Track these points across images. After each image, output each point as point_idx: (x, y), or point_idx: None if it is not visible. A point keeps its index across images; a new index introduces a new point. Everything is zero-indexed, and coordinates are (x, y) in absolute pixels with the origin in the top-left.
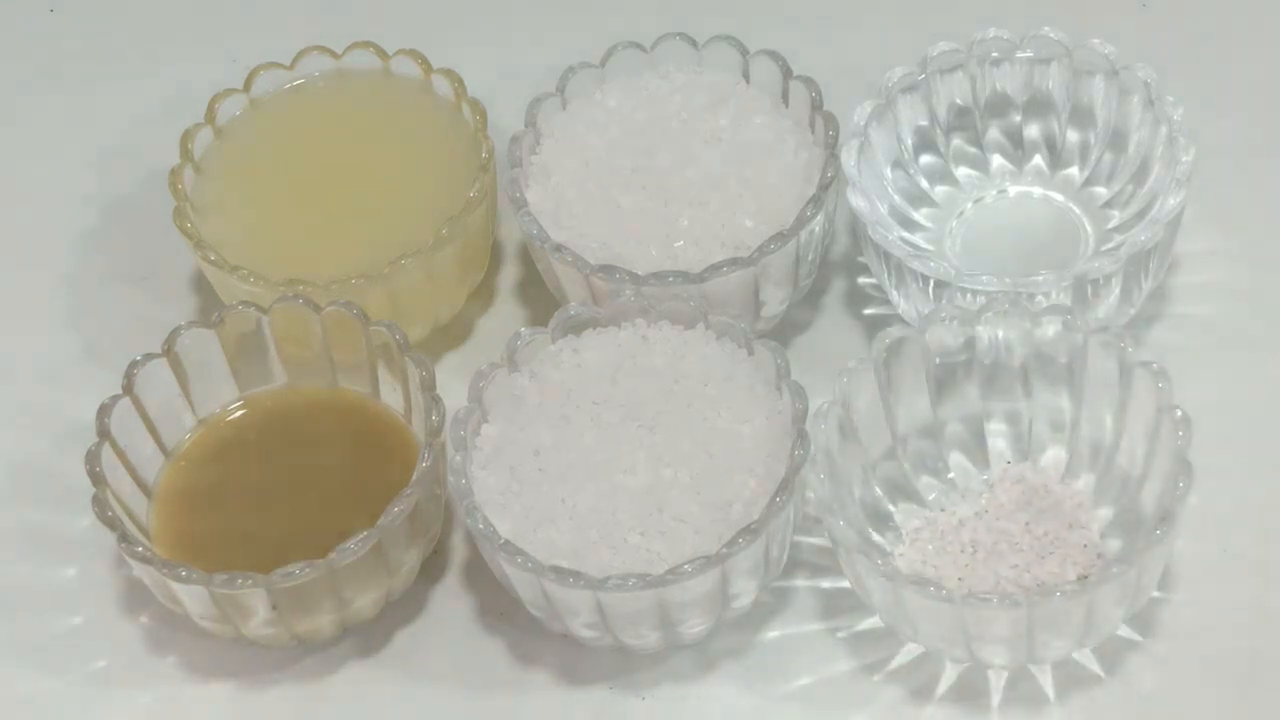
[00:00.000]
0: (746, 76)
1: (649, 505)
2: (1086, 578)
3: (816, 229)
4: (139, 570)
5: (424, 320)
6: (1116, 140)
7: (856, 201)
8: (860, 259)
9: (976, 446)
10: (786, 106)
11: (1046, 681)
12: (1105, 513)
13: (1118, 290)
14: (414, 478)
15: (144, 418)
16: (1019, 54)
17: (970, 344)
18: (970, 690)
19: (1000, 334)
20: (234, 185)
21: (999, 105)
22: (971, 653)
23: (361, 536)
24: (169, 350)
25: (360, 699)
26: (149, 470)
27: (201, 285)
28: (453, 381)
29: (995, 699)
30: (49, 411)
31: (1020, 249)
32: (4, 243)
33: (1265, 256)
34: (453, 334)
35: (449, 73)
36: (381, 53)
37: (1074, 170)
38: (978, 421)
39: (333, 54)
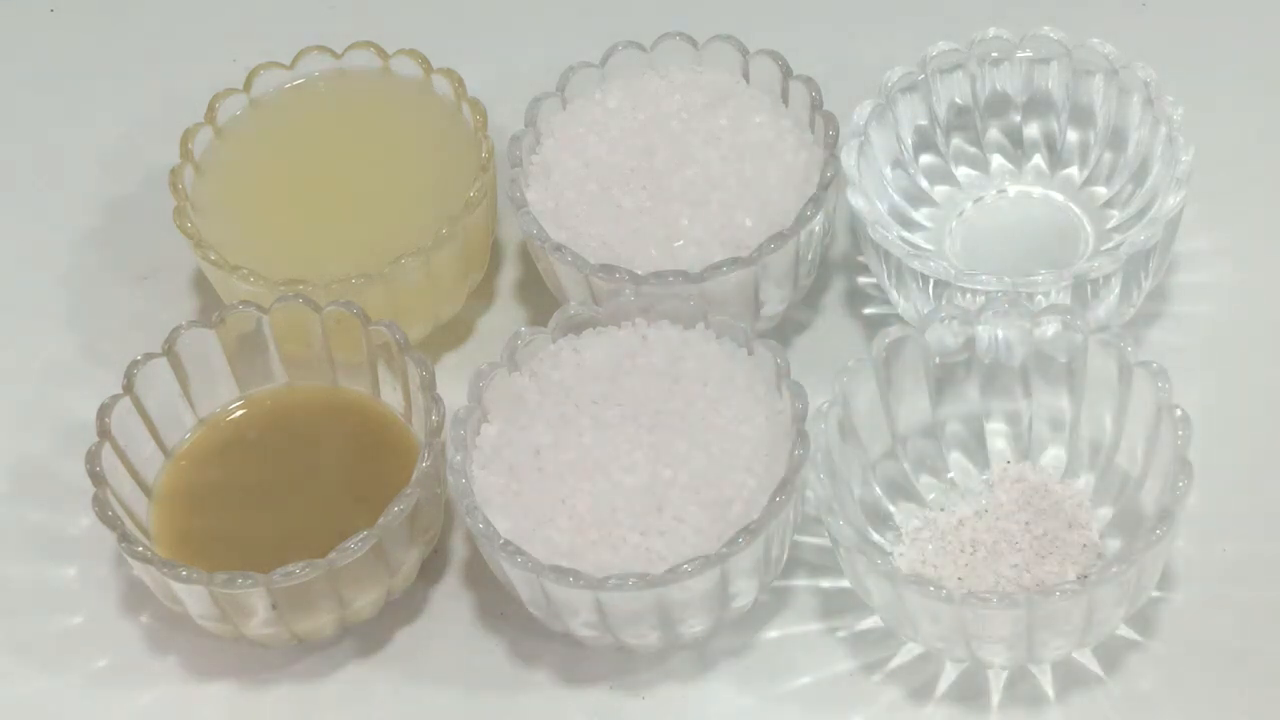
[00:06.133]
0: (746, 76)
1: (649, 505)
2: (1086, 577)
3: (816, 229)
4: (139, 570)
5: (424, 320)
6: (1116, 140)
7: (856, 201)
8: (860, 259)
9: (976, 446)
10: (786, 106)
11: (1046, 681)
12: (1105, 513)
13: (1117, 290)
14: (414, 478)
15: (144, 418)
16: (1019, 54)
17: (970, 344)
18: (970, 690)
19: (1000, 334)
20: (234, 185)
21: (999, 105)
22: (971, 652)
23: (361, 536)
24: (169, 350)
25: (360, 699)
26: (149, 470)
27: (201, 285)
28: (453, 381)
29: (995, 699)
30: (49, 411)
31: (1020, 249)
32: (4, 243)
33: (1265, 256)
34: (453, 334)
35: (449, 73)
36: (381, 53)
37: (1074, 170)
38: (978, 421)
39: (333, 54)
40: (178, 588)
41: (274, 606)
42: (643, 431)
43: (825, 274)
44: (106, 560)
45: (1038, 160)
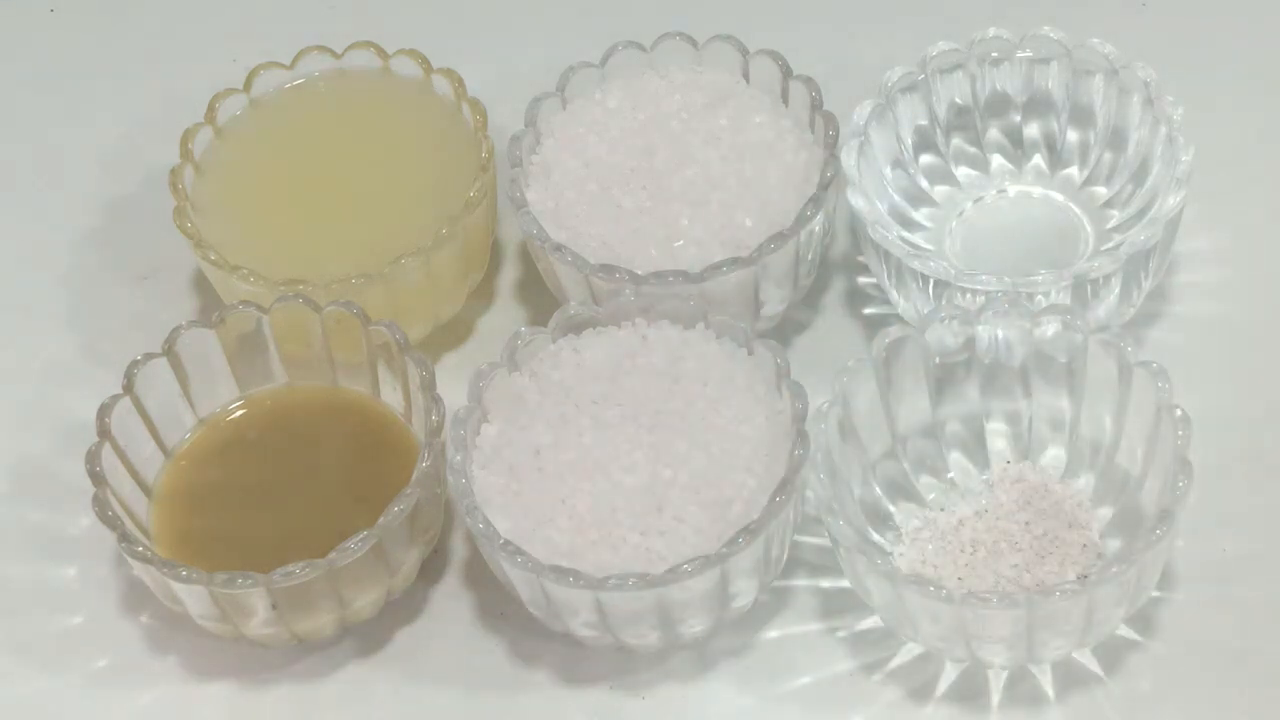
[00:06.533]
0: (746, 76)
1: (649, 505)
2: (1086, 577)
3: (816, 229)
4: (139, 570)
5: (424, 320)
6: (1116, 140)
7: (856, 201)
8: (860, 259)
9: (976, 446)
10: (786, 106)
11: (1046, 681)
12: (1105, 512)
13: (1117, 290)
14: (414, 478)
15: (144, 418)
16: (1019, 54)
17: (970, 344)
18: (970, 690)
19: (1000, 334)
20: (234, 185)
21: (999, 105)
22: (971, 652)
23: (361, 536)
24: (169, 350)
25: (360, 699)
26: (149, 470)
27: (201, 285)
28: (453, 381)
29: (995, 699)
30: (49, 411)
31: (1020, 249)
32: (4, 243)
33: (1265, 256)
34: (453, 334)
35: (449, 73)
36: (381, 53)
37: (1074, 170)
38: (978, 421)
39: (333, 54)
40: (178, 588)
41: (274, 606)
42: (643, 431)
43: (825, 274)
44: (106, 560)
45: (1038, 160)
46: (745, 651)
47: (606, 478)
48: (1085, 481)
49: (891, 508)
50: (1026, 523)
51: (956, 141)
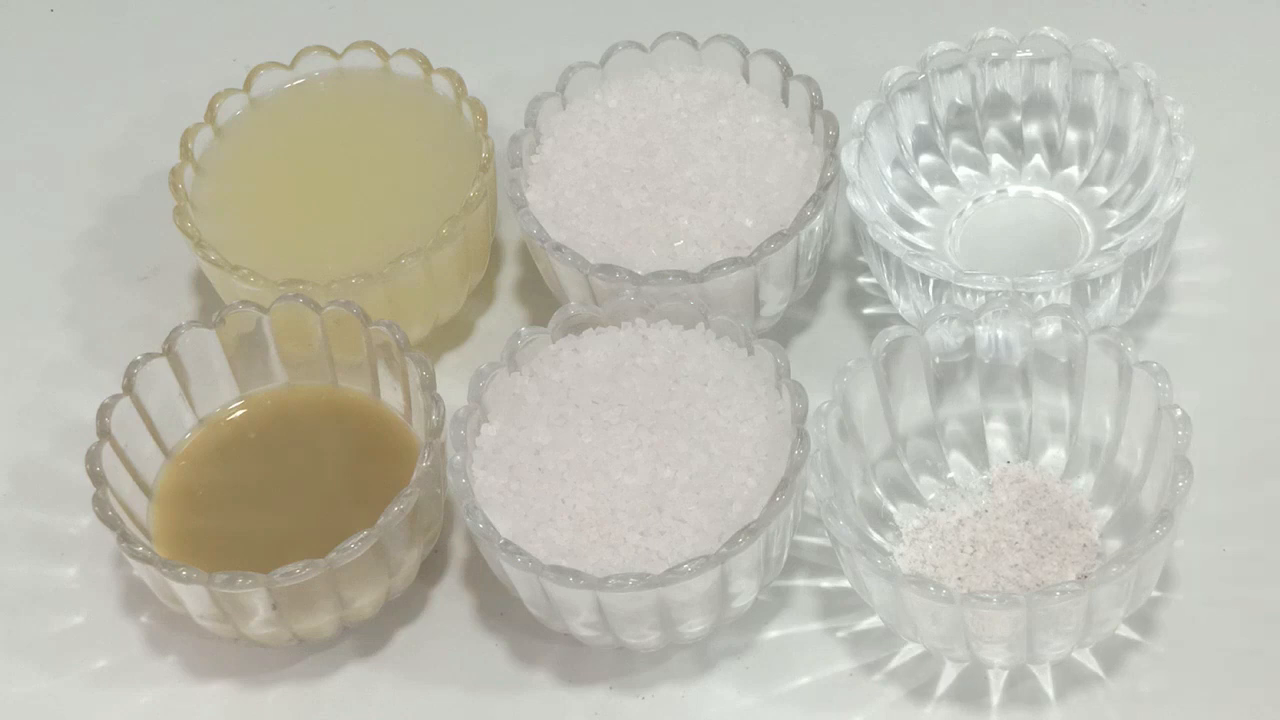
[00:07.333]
0: (746, 76)
1: (648, 505)
2: (1086, 577)
3: (816, 229)
4: (139, 570)
5: (424, 320)
6: (1116, 140)
7: (856, 201)
8: (860, 259)
9: (976, 446)
10: (786, 106)
11: (1046, 681)
12: (1105, 512)
13: (1117, 290)
14: (414, 478)
15: (144, 417)
16: (1019, 54)
17: (970, 344)
18: (970, 690)
19: (1000, 334)
20: (234, 185)
21: (999, 105)
22: (971, 652)
23: (361, 536)
24: (169, 350)
25: (360, 699)
26: (149, 470)
27: (201, 285)
28: (453, 381)
29: (995, 699)
30: (49, 411)
31: (1020, 249)
32: (4, 243)
33: (1265, 256)
34: (453, 334)
35: (449, 73)
36: (381, 53)
37: (1074, 170)
38: (978, 421)
39: (333, 54)
40: (178, 588)
41: (274, 606)
42: (643, 431)
43: (825, 274)
44: (106, 560)
45: (1038, 160)
46: (745, 651)
47: (606, 478)
48: (1085, 481)
49: (891, 508)
50: (1026, 523)
51: (956, 141)
